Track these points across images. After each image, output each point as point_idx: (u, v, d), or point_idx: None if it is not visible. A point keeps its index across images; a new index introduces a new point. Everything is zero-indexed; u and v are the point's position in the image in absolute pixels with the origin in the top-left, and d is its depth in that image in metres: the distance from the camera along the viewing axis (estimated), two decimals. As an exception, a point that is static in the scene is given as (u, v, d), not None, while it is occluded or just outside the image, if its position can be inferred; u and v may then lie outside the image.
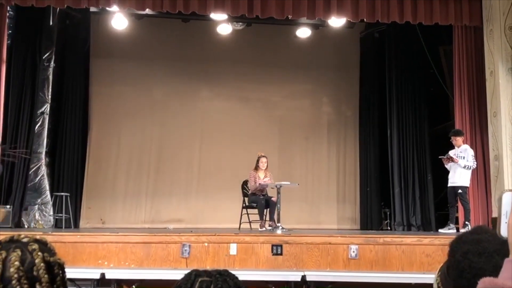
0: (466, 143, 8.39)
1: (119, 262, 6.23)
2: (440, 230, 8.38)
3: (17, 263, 1.15)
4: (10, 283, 1.13)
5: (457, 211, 8.47)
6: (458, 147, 8.21)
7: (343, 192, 11.66)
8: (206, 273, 1.33)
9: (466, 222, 8.08)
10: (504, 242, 1.35)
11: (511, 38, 8.23)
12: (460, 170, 8.07)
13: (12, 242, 1.22)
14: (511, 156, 7.99)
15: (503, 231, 1.16)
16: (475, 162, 8.15)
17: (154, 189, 11.06)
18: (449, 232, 7.97)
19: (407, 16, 8.49)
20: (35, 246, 1.21)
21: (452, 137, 8.31)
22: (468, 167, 8.05)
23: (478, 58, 8.79)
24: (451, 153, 8.18)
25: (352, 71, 11.84)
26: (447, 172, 8.30)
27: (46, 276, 1.18)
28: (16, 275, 1.14)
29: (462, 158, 8.05)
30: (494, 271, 1.30)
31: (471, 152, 8.15)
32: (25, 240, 1.23)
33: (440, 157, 8.28)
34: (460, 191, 8.06)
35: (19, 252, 1.18)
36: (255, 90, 11.76)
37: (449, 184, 8.23)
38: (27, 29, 9.60)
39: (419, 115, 10.40)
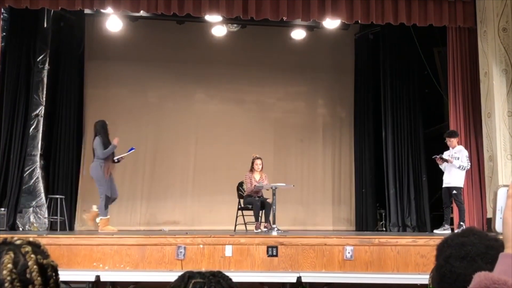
0: (461, 144, 8.42)
1: (114, 265, 6.21)
2: (435, 231, 8.40)
3: (10, 265, 1.15)
4: (3, 285, 1.13)
5: (452, 212, 8.50)
6: (453, 148, 8.24)
7: (338, 194, 11.67)
8: (199, 274, 1.33)
9: (461, 223, 8.11)
10: (489, 246, 1.36)
11: (505, 39, 8.27)
12: (454, 171, 8.09)
13: (5, 245, 1.21)
14: (505, 157, 8.03)
15: (498, 227, 1.16)
16: (470, 163, 8.17)
17: (149, 191, 11.04)
18: (444, 233, 7.99)
19: (402, 18, 8.52)
20: (28, 248, 1.21)
21: (446, 138, 8.34)
22: (462, 168, 8.08)
23: (472, 60, 8.83)
24: (446, 154, 8.22)
25: (347, 72, 11.85)
26: (441, 173, 8.33)
27: (39, 278, 1.18)
28: (9, 278, 1.14)
29: (457, 159, 8.08)
30: None
31: (465, 153, 8.18)
32: (18, 242, 1.22)
33: (433, 156, 8.31)
34: (454, 191, 8.08)
35: (12, 255, 1.17)
36: (250, 92, 11.77)
37: (444, 185, 8.26)
38: (21, 31, 9.58)
39: (414, 116, 10.42)
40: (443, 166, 8.29)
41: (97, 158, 8.13)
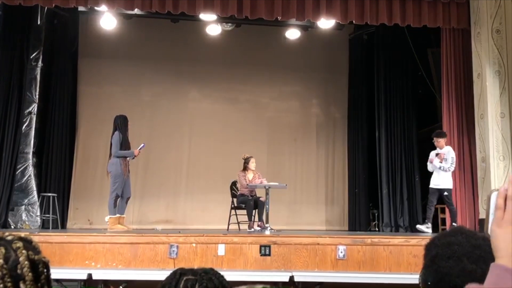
0: (454, 145, 8.44)
1: (106, 263, 6.20)
2: (418, 226, 8.45)
3: (0, 260, 1.14)
4: (-6, 281, 1.12)
5: (443, 213, 8.54)
6: (441, 148, 8.25)
7: (331, 193, 11.69)
8: (191, 271, 1.32)
9: (454, 224, 8.13)
10: (476, 245, 1.36)
11: (498, 41, 8.30)
12: (443, 172, 8.12)
13: (-4, 240, 1.21)
14: (497, 158, 8.06)
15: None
16: (453, 165, 8.17)
17: (142, 190, 11.00)
18: (427, 230, 8.04)
19: (396, 18, 8.53)
20: (20, 244, 1.20)
21: (434, 138, 8.35)
22: (443, 169, 8.07)
23: (466, 61, 8.85)
24: (433, 153, 8.26)
25: (341, 72, 11.87)
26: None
27: (30, 274, 1.17)
28: (-1, 273, 1.13)
29: (445, 160, 8.12)
30: (461, 276, 1.30)
31: (452, 154, 8.19)
32: (9, 238, 1.22)
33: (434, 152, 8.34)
34: (446, 193, 8.10)
35: (3, 250, 1.16)
36: (244, 91, 11.77)
37: (433, 186, 8.27)
38: (14, 28, 9.52)
39: (407, 117, 10.45)
40: (430, 167, 8.32)
41: (113, 155, 8.05)
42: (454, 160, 8.21)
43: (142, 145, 8.33)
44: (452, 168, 8.17)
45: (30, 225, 9.32)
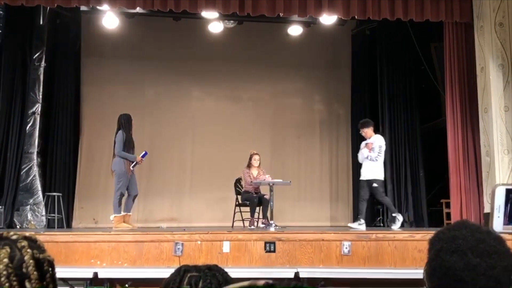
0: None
1: (112, 261, 6.21)
2: (349, 225, 8.27)
3: (6, 260, 1.15)
4: (-1, 280, 1.13)
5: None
6: (369, 138, 8.15)
7: (335, 189, 11.68)
8: (195, 268, 1.33)
9: (394, 215, 8.04)
10: (481, 239, 1.36)
11: (501, 34, 8.27)
12: (372, 163, 7.99)
13: (1, 239, 1.21)
14: (502, 152, 8.03)
15: (496, 226, 1.16)
16: (381, 154, 8.03)
17: (146, 189, 11.00)
18: (359, 227, 7.84)
19: (398, 13, 8.50)
20: (24, 243, 1.21)
21: (360, 130, 8.25)
22: (369, 158, 7.95)
23: (469, 55, 8.82)
24: (364, 143, 8.18)
25: (344, 68, 11.85)
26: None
27: (35, 273, 1.18)
28: (5, 272, 1.14)
29: (373, 149, 8.00)
30: (465, 270, 1.30)
31: (379, 142, 8.06)
32: (14, 237, 1.22)
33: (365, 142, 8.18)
34: (374, 184, 7.93)
35: (8, 249, 1.17)
36: (247, 89, 11.77)
37: (362, 178, 8.12)
38: (17, 29, 9.55)
39: (411, 111, 10.44)
40: (360, 157, 8.22)
41: (116, 154, 8.06)
42: (383, 149, 8.07)
43: (144, 152, 8.31)
44: (380, 158, 8.01)
45: (36, 224, 9.35)
